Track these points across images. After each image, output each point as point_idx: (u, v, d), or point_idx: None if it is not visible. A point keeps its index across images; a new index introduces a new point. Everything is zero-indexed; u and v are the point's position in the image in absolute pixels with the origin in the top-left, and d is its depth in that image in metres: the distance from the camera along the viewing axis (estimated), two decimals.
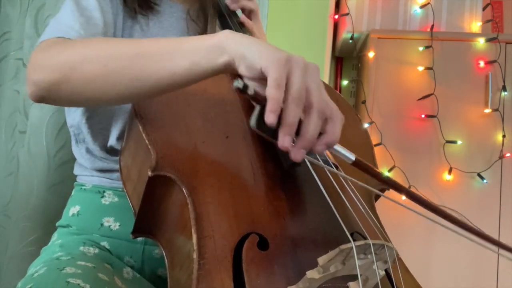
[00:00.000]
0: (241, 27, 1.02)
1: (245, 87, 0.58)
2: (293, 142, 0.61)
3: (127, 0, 0.95)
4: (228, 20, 1.02)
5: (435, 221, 0.70)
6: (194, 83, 0.69)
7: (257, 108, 0.61)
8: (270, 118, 0.58)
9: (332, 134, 0.63)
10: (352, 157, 0.65)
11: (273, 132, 0.61)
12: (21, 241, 1.37)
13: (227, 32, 0.66)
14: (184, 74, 0.66)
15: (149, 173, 0.66)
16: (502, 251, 0.75)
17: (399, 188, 0.71)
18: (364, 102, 2.13)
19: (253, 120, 0.61)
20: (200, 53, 0.65)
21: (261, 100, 0.60)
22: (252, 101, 0.60)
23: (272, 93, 0.58)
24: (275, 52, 0.62)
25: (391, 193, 0.79)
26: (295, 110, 0.59)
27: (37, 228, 1.36)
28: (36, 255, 0.94)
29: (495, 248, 0.74)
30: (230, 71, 0.65)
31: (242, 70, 0.63)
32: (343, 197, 0.71)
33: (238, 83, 0.57)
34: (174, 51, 0.67)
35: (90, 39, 0.81)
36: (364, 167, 0.67)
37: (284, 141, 0.60)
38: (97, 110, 0.94)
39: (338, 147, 0.65)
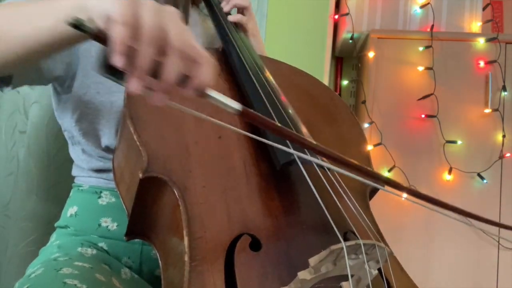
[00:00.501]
0: (235, 27, 1.02)
1: (80, 22, 0.50)
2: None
3: None
4: (221, 19, 1.02)
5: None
6: (65, 45, 0.67)
7: (102, 50, 0.53)
8: (115, 59, 0.52)
9: (199, 77, 0.56)
10: (237, 106, 0.57)
11: (123, 76, 0.54)
12: (21, 241, 1.37)
13: None
14: (49, 34, 0.65)
15: (140, 175, 0.66)
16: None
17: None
18: (364, 102, 2.12)
19: (97, 64, 0.54)
20: (64, 12, 0.63)
21: (106, 41, 0.53)
22: (96, 41, 0.53)
23: (114, 30, 0.52)
24: None
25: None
26: (146, 50, 0.53)
27: (36, 228, 1.36)
28: (36, 255, 0.95)
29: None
30: None
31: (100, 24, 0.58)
32: (334, 197, 0.71)
33: (72, 19, 0.50)
34: (41, 10, 0.66)
35: None
36: (256, 119, 0.59)
37: (133, 84, 0.54)
38: (86, 112, 0.93)
39: (215, 95, 0.57)
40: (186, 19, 1.08)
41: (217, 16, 1.02)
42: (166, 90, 0.56)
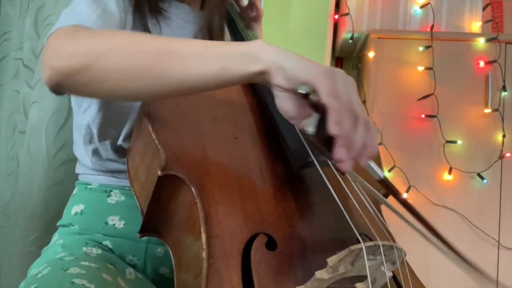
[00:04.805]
0: (248, 29, 1.03)
1: (309, 93, 0.59)
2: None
3: (139, 3, 0.93)
4: (237, 22, 1.04)
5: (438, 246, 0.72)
6: (219, 88, 0.68)
7: (315, 117, 0.61)
8: (335, 129, 0.58)
9: (373, 146, 0.63)
10: (381, 174, 0.66)
11: (326, 142, 0.61)
12: (21, 241, 1.36)
13: (261, 41, 0.64)
14: (212, 78, 0.64)
15: (159, 173, 0.66)
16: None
17: (412, 211, 0.73)
18: (364, 102, 2.13)
19: (311, 128, 0.61)
20: (233, 59, 0.63)
21: (319, 109, 0.60)
22: (310, 108, 0.61)
23: (333, 102, 0.58)
24: (318, 64, 0.62)
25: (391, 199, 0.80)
26: (349, 121, 0.59)
27: (37, 228, 1.36)
28: (36, 255, 0.94)
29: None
30: (260, 80, 0.63)
31: (278, 80, 0.62)
32: (352, 198, 0.71)
33: (303, 89, 0.59)
34: (205, 54, 0.65)
35: (116, 30, 0.79)
36: (389, 187, 0.68)
37: (341, 153, 0.59)
38: (111, 109, 0.91)
39: (371, 163, 0.65)
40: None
41: (234, 24, 1.04)
42: (355, 157, 0.61)
